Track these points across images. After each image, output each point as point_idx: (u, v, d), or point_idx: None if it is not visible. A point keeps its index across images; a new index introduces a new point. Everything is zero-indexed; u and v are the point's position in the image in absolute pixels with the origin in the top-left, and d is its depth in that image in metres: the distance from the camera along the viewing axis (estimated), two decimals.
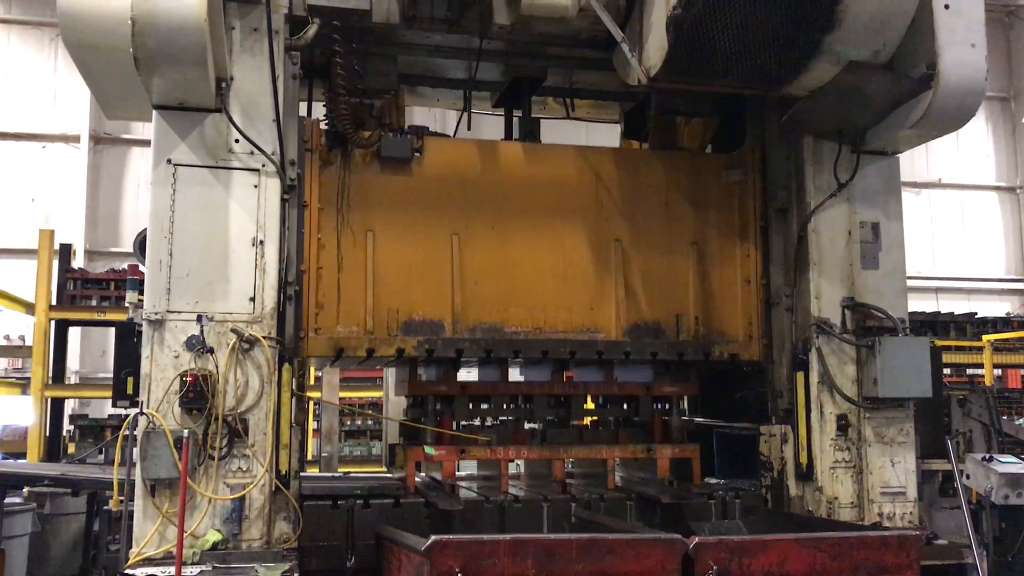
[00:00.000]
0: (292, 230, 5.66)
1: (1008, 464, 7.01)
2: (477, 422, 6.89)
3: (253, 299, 5.32)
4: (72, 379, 17.74)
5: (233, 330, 5.21)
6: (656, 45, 5.44)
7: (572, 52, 6.67)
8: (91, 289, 12.68)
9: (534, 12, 5.86)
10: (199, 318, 5.19)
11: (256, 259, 5.36)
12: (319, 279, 5.98)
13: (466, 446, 6.40)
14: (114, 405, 6.16)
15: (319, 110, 6.50)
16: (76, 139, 20.07)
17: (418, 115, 11.17)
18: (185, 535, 4.86)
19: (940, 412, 8.25)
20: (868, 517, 6.09)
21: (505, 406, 6.78)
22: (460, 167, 6.38)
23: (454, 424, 6.61)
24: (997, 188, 25.51)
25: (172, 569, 4.70)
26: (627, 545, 4.45)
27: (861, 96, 5.74)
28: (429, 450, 6.34)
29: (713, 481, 7.03)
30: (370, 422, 14.35)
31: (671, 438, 6.85)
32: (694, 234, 6.72)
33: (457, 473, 6.63)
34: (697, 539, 4.50)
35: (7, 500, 8.07)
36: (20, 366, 18.20)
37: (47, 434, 12.16)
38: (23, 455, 11.99)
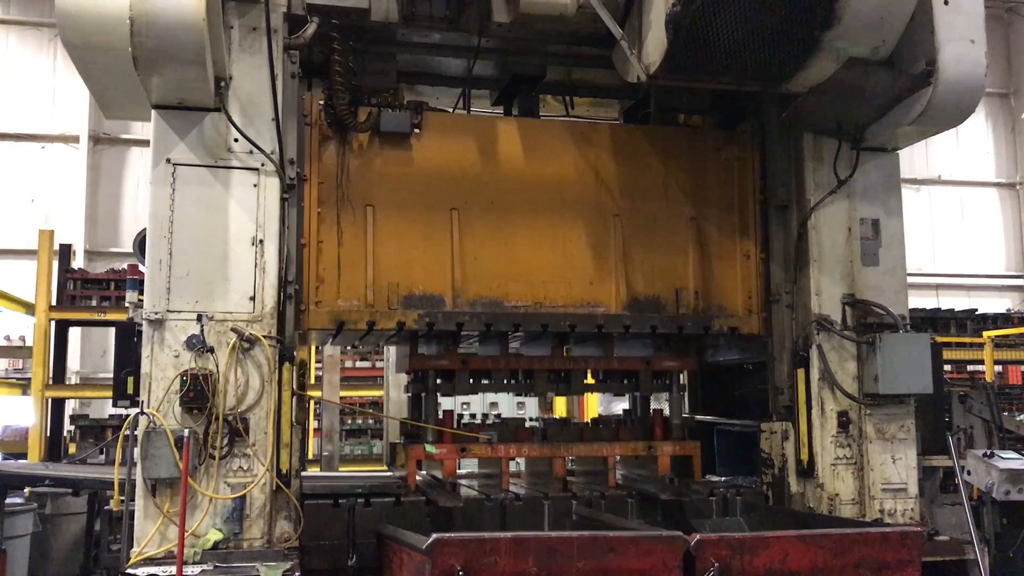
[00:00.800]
0: (292, 229, 5.66)
1: (1009, 460, 7.00)
2: (478, 415, 6.88)
3: (253, 298, 5.32)
4: (73, 379, 17.73)
5: (233, 329, 5.21)
6: (655, 43, 5.43)
7: (571, 50, 6.66)
8: (91, 289, 12.65)
9: (533, 10, 5.85)
10: (199, 317, 5.19)
11: (256, 258, 5.35)
12: (319, 253, 6.00)
13: (467, 444, 6.40)
14: (114, 405, 6.14)
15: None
16: (75, 139, 20.04)
17: None
18: (186, 534, 4.86)
19: (941, 408, 8.24)
20: (869, 514, 6.09)
21: (506, 381, 6.77)
22: (459, 143, 6.40)
23: (455, 423, 6.61)
24: (997, 184, 25.46)
25: (173, 569, 4.70)
26: (628, 543, 4.45)
27: (861, 93, 5.73)
28: (430, 448, 6.34)
29: (714, 478, 7.04)
30: (371, 421, 14.35)
31: (671, 435, 6.85)
32: (693, 209, 6.74)
33: (458, 471, 6.63)
34: (698, 536, 4.50)
35: (8, 500, 8.07)
36: (20, 366, 18.18)
37: (48, 434, 12.14)
38: (24, 455, 11.97)
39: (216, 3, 4.81)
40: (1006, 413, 9.18)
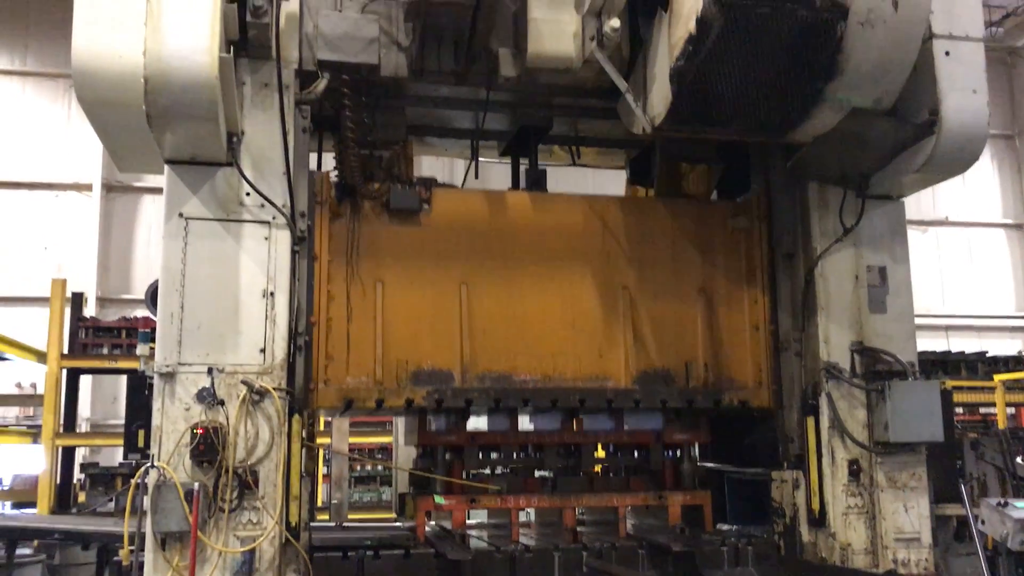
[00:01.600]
0: (302, 281, 5.71)
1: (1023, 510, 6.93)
2: (487, 470, 6.88)
3: (263, 350, 5.35)
4: (83, 426, 17.74)
5: (243, 382, 5.23)
6: (660, 95, 5.50)
7: (577, 102, 6.75)
8: (103, 337, 12.76)
9: (539, 64, 5.95)
10: (210, 370, 5.22)
11: (267, 310, 5.40)
12: (329, 330, 6.02)
13: (476, 495, 6.38)
14: (125, 458, 6.17)
15: (328, 161, 6.60)
16: (88, 187, 20.29)
17: (426, 163, 11.29)
18: None
19: (953, 456, 8.18)
20: (883, 564, 6.03)
21: (515, 455, 6.76)
22: (468, 217, 6.44)
23: (464, 473, 6.60)
24: (1004, 225, 25.50)
25: None
26: None
27: (865, 142, 5.79)
28: (439, 499, 6.33)
29: (725, 527, 6.98)
30: (380, 468, 14.30)
31: (682, 484, 6.82)
32: (702, 281, 6.74)
33: (467, 521, 6.60)
34: None
35: (17, 551, 8.05)
36: (31, 414, 18.22)
37: (58, 482, 12.15)
38: (33, 504, 11.97)
39: (229, 61, 4.90)
40: (1020, 459, 9.11)
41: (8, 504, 13.40)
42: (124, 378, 16.17)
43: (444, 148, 7.59)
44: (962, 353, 15.52)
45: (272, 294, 5.41)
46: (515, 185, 7.28)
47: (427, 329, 6.21)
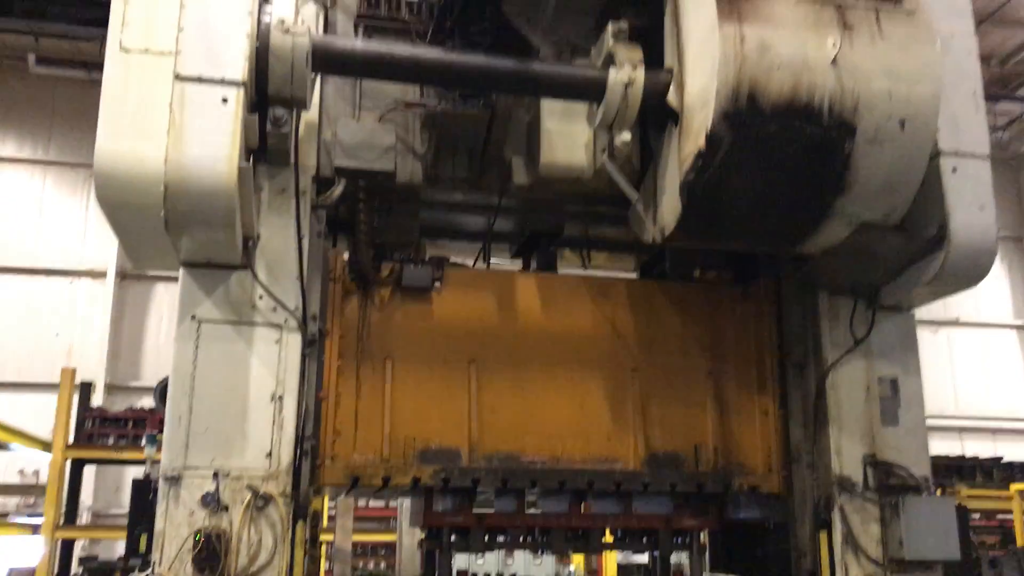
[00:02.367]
0: (311, 384, 5.71)
1: None
2: (492, 572, 6.73)
3: (270, 455, 5.32)
4: (84, 516, 17.54)
5: (248, 487, 5.19)
6: (670, 206, 5.57)
7: (588, 208, 6.86)
8: (109, 428, 12.71)
9: (552, 173, 6.07)
10: (215, 475, 5.18)
11: (274, 414, 5.38)
12: (337, 406, 6.02)
13: None
14: (126, 564, 6.08)
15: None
16: (103, 274, 20.49)
17: None
18: None
19: (970, 573, 7.99)
20: None
21: (522, 538, 6.61)
22: (478, 297, 6.49)
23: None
24: (1016, 327, 25.41)
25: None
26: None
27: (874, 256, 5.82)
28: None
29: None
30: (383, 565, 14.04)
31: None
32: (711, 364, 6.74)
33: None
34: None
35: None
36: (32, 502, 18.03)
37: None
38: None
39: (248, 170, 5.00)
40: None
41: None
42: (128, 468, 16.07)
43: (456, 250, 7.66)
44: (976, 458, 15.29)
45: (281, 398, 5.40)
46: None
47: (435, 407, 6.20)
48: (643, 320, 6.73)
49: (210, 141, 4.81)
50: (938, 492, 8.93)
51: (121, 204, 5.05)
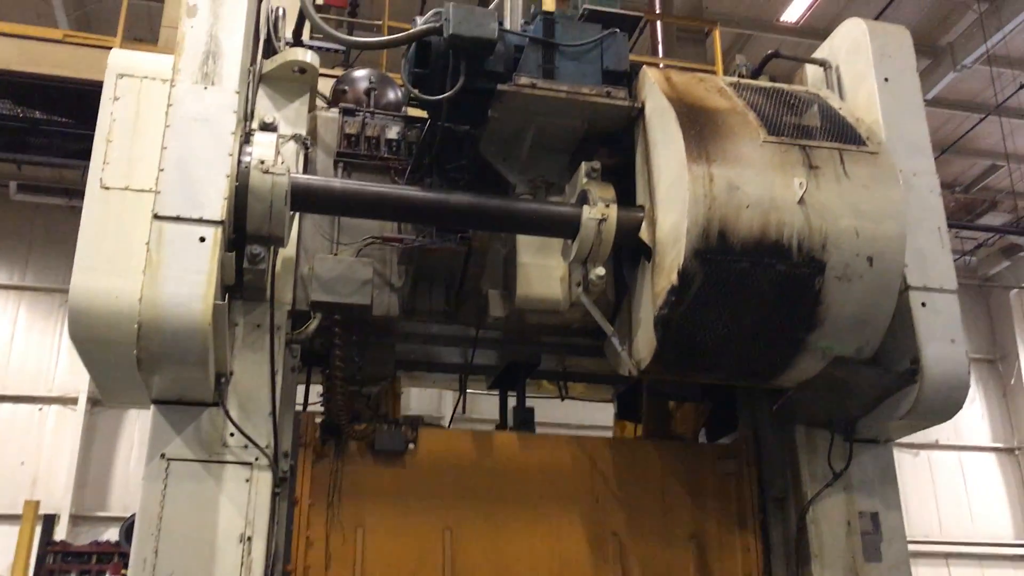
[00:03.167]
0: (281, 524, 5.56)
1: None
2: None
3: None
4: None
5: None
6: (645, 340, 5.60)
7: (565, 340, 6.86)
8: (71, 563, 12.30)
9: (528, 306, 6.10)
10: None
11: (243, 556, 5.19)
12: None
13: None
14: None
15: (315, 389, 6.59)
16: (74, 401, 20.15)
17: (415, 393, 11.30)
18: None
19: None
20: None
21: None
22: (454, 458, 6.34)
23: None
24: (995, 449, 25.39)
25: None
26: None
27: (848, 389, 5.84)
28: None
29: None
30: None
31: None
32: (692, 526, 6.58)
33: None
34: None
35: None
36: None
37: None
38: None
39: (223, 308, 4.99)
40: None
41: None
42: None
43: (432, 381, 7.64)
44: None
45: (250, 539, 5.23)
46: (503, 418, 7.25)
47: None
48: (623, 480, 6.57)
49: (186, 280, 4.81)
50: None
51: (93, 340, 5.02)
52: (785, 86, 6.20)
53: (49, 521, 13.02)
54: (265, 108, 5.93)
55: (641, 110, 5.89)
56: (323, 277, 5.97)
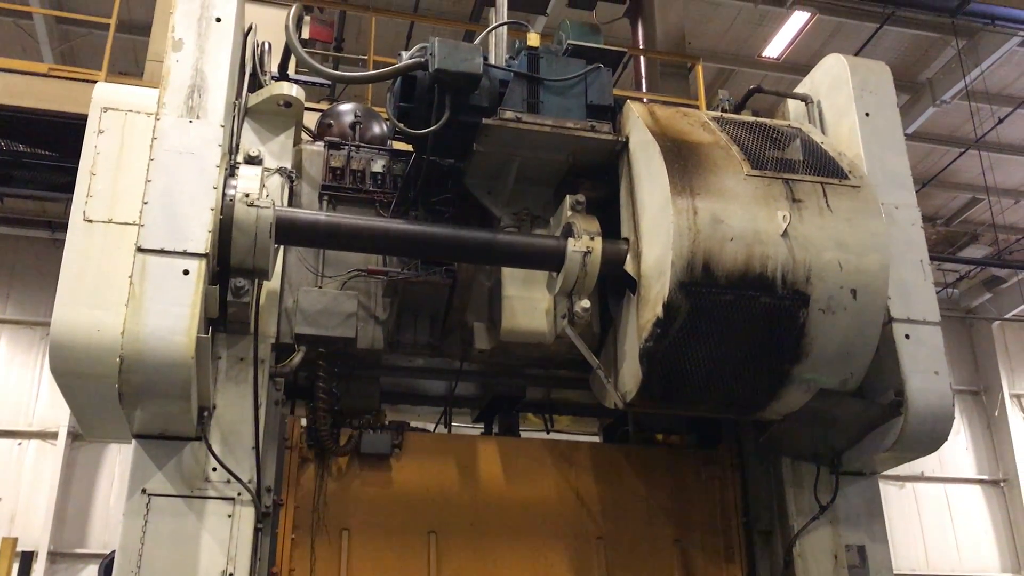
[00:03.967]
0: (264, 560, 5.49)
1: None
2: None
3: None
4: None
5: None
6: (630, 373, 5.60)
7: (550, 372, 6.85)
8: None
9: (513, 339, 6.09)
10: None
11: None
12: None
13: None
14: None
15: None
16: (54, 436, 19.86)
17: None
18: None
19: None
20: None
21: None
22: (439, 463, 6.35)
23: None
24: (980, 481, 25.39)
25: None
26: None
27: (834, 421, 5.85)
28: None
29: None
30: None
31: None
32: (676, 531, 6.60)
33: None
34: None
35: None
36: None
37: None
38: None
39: (206, 342, 4.96)
40: None
41: None
42: None
43: (417, 415, 7.58)
44: None
45: (231, 575, 5.17)
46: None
47: None
48: (607, 486, 6.62)
49: (169, 312, 4.78)
50: None
51: (75, 374, 4.96)
52: (768, 120, 6.26)
53: (27, 558, 12.80)
54: (250, 141, 5.93)
55: (625, 144, 5.93)
56: (307, 310, 5.95)
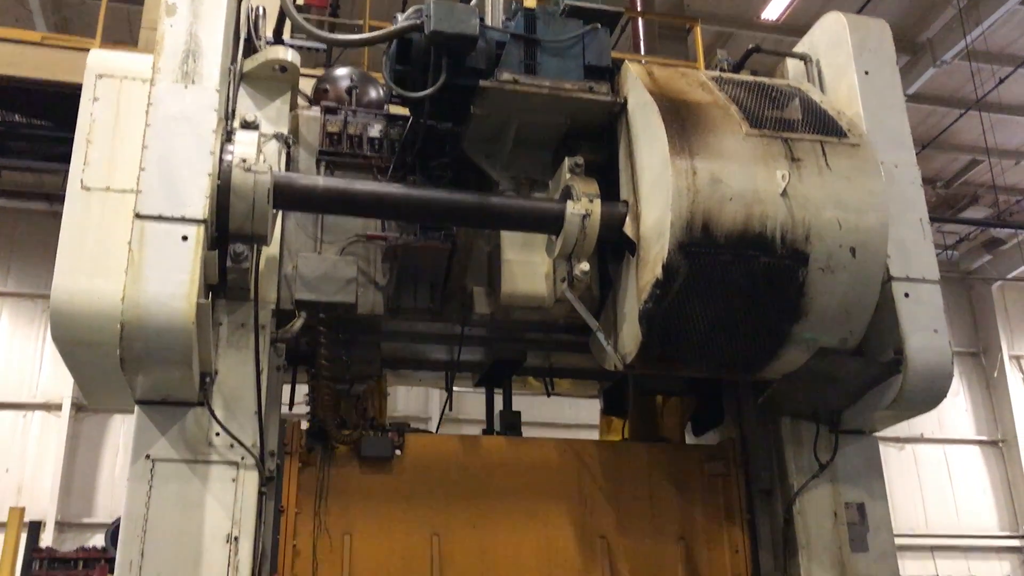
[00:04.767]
0: (268, 524, 5.53)
1: None
2: None
3: None
4: None
5: None
6: (630, 335, 5.61)
7: (550, 336, 6.85)
8: (58, 569, 12.19)
9: (513, 303, 6.09)
10: None
11: (229, 557, 5.17)
12: None
13: None
14: None
15: (301, 390, 6.57)
16: (58, 407, 20.00)
17: (401, 391, 11.30)
18: None
19: None
20: None
21: None
22: (441, 463, 6.32)
23: None
24: (979, 442, 25.55)
25: None
26: None
27: (834, 380, 5.86)
28: None
29: None
30: None
31: None
32: (680, 526, 6.58)
33: None
34: None
35: None
36: None
37: None
38: None
39: (206, 307, 4.96)
40: None
41: None
42: None
43: (419, 379, 7.62)
44: None
45: (236, 539, 5.20)
46: (489, 415, 7.24)
47: None
48: (611, 483, 6.57)
49: (169, 279, 4.78)
50: None
51: (76, 342, 5.00)
52: (766, 80, 6.22)
53: (35, 528, 12.91)
54: (246, 107, 5.89)
55: (624, 105, 5.89)
56: (307, 276, 5.95)
